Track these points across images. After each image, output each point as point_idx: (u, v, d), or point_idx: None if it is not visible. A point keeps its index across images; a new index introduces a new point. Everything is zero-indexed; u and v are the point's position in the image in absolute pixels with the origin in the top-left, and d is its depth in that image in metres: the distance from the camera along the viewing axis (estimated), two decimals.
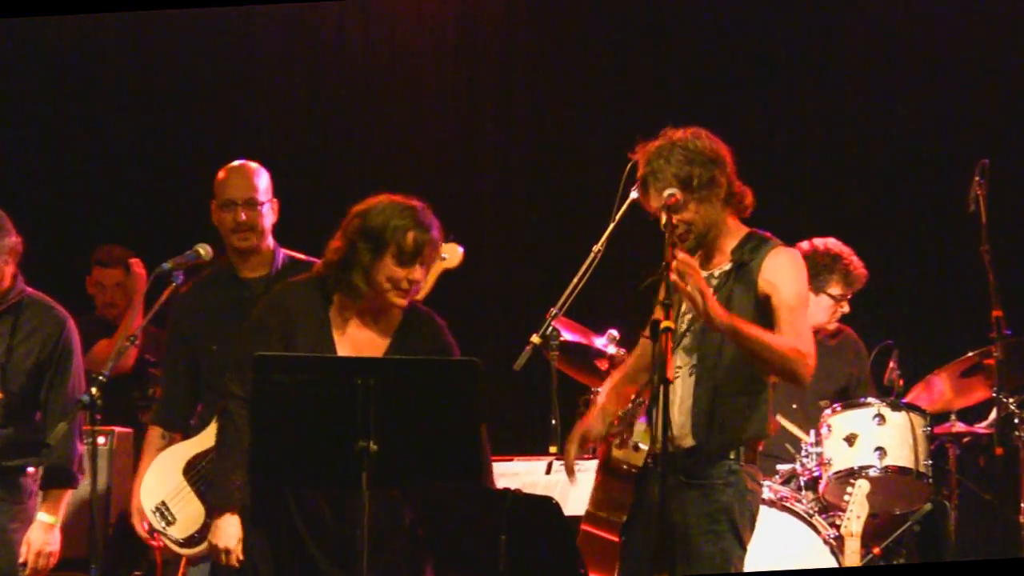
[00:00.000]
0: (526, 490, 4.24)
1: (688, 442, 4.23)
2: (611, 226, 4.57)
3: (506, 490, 4.09)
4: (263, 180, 5.18)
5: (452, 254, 5.05)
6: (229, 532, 4.33)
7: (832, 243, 6.06)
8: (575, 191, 7.23)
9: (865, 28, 7.26)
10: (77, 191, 7.56)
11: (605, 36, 7.47)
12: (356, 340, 4.41)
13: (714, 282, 4.24)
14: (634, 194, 4.47)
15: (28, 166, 7.47)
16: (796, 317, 4.18)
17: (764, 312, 4.20)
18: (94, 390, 4.23)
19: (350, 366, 4.12)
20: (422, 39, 7.55)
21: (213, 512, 4.42)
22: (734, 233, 4.30)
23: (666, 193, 4.18)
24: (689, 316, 4.24)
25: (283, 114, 7.63)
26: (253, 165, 5.23)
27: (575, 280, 4.58)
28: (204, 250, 4.41)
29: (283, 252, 5.19)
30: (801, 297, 4.26)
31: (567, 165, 7.40)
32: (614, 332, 5.56)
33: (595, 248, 4.61)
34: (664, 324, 3.83)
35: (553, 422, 5.34)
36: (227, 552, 4.34)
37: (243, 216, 5.07)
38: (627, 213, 4.58)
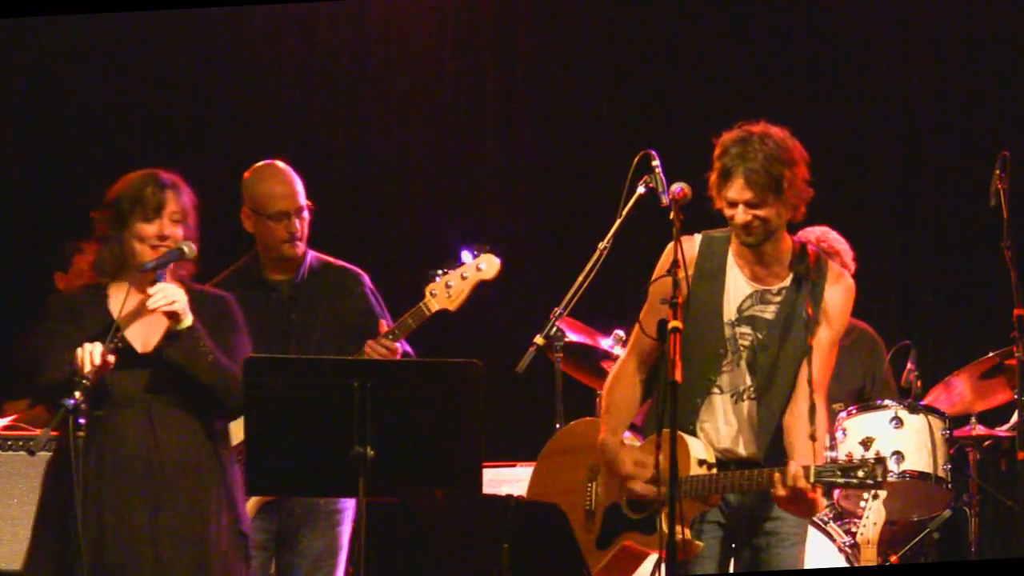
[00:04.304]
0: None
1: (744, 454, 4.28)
2: (617, 222, 4.49)
3: (509, 496, 4.01)
4: (299, 183, 5.08)
5: (489, 265, 4.98)
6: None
7: (821, 234, 5.89)
8: (580, 186, 7.18)
9: (886, 17, 7.20)
10: (56, 191, 7.45)
11: (610, 27, 7.39)
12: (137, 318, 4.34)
13: (776, 299, 4.25)
14: (641, 189, 4.41)
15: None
16: (830, 360, 4.30)
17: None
18: (78, 394, 4.10)
19: (345, 368, 4.03)
20: (421, 36, 7.50)
21: None
22: (785, 240, 4.29)
23: (675, 187, 4.15)
24: (753, 334, 4.25)
25: (280, 113, 7.57)
26: (285, 167, 5.12)
27: (580, 279, 4.49)
28: (188, 248, 4.29)
29: (312, 254, 5.09)
30: (841, 334, 4.37)
31: (572, 160, 7.36)
32: (620, 332, 5.50)
33: (601, 245, 4.51)
34: (672, 324, 3.81)
35: (557, 426, 5.29)
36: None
37: (297, 226, 4.99)
38: (634, 209, 4.48)
